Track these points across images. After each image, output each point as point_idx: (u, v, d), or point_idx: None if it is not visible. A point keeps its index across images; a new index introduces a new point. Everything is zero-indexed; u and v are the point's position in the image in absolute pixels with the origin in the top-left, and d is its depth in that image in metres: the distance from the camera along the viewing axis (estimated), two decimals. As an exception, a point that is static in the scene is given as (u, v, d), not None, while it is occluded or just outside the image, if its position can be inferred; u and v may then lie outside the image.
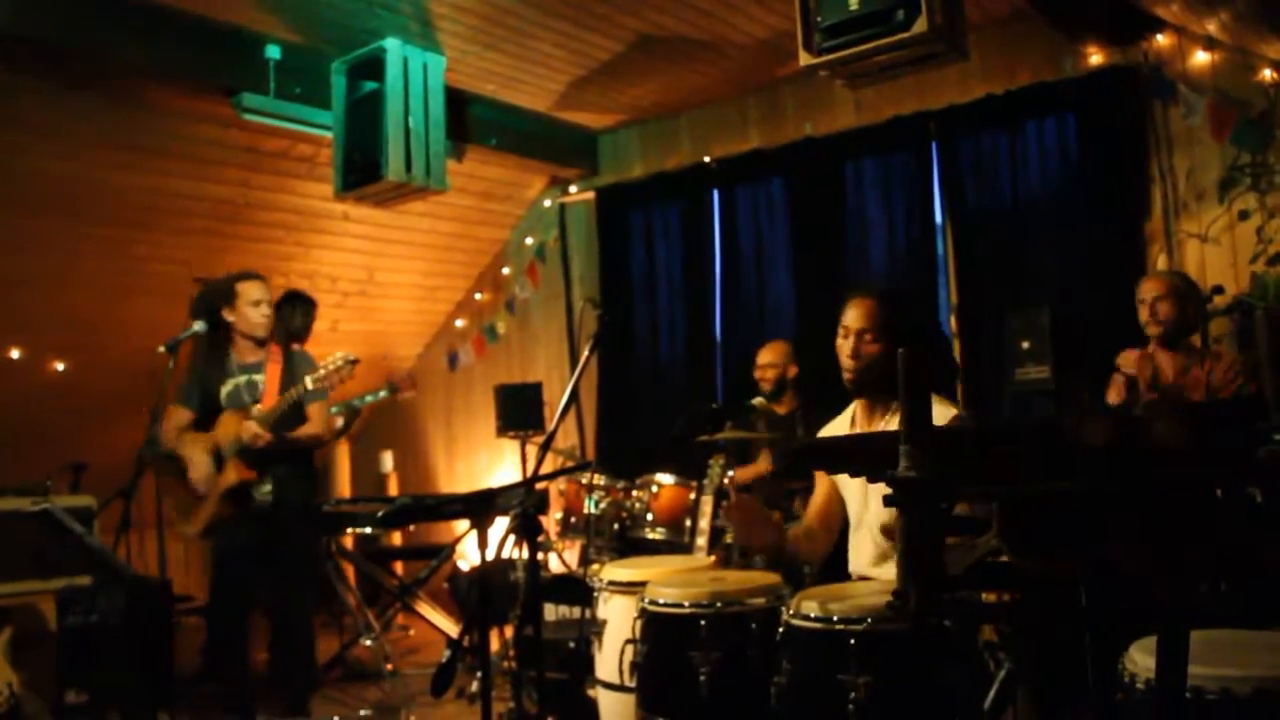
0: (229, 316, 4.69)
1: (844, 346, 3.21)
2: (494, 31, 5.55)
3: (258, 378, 4.74)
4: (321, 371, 4.58)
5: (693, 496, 5.27)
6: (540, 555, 3.62)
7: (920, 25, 3.96)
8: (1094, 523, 1.40)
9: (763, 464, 5.39)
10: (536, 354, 7.86)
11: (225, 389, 4.70)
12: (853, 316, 3.20)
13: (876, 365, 3.14)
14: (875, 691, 2.51)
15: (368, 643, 5.57)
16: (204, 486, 4.57)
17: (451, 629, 5.97)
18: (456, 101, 6.11)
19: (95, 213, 5.78)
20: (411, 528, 7.79)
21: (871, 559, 3.19)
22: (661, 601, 3.17)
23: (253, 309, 4.70)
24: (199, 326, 4.57)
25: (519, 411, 6.65)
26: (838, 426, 3.40)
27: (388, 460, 7.86)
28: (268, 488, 4.65)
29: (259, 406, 4.62)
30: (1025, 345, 4.97)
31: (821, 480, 3.46)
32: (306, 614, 4.87)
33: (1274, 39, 4.64)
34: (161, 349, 4.57)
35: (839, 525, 3.38)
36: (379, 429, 8.45)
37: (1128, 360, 4.39)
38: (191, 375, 4.73)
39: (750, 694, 2.88)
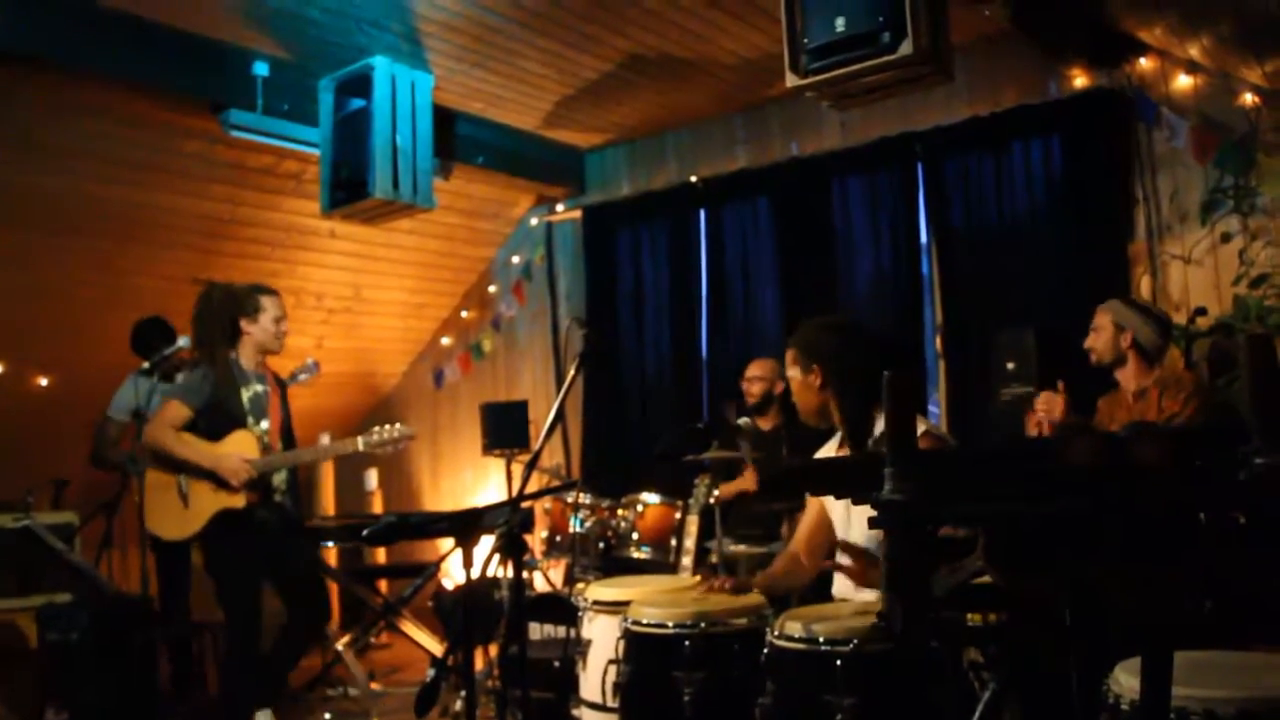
0: (248, 327, 4.65)
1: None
2: (482, 50, 5.56)
3: (264, 389, 4.71)
4: (375, 438, 4.68)
5: (678, 516, 5.27)
6: (525, 574, 3.61)
7: (906, 47, 3.97)
8: (1079, 544, 1.40)
9: (748, 481, 5.38)
10: (522, 372, 7.86)
11: (246, 394, 4.61)
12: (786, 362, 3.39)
13: (813, 400, 3.27)
14: (860, 713, 2.50)
15: (348, 661, 5.54)
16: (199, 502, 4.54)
17: (435, 647, 5.93)
18: (444, 120, 6.11)
19: (80, 227, 5.76)
20: (395, 546, 7.75)
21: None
22: (645, 621, 3.16)
23: (274, 325, 4.69)
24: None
25: (504, 430, 6.63)
26: (829, 449, 3.41)
27: (372, 478, 7.82)
28: (282, 491, 4.69)
29: (268, 434, 4.63)
30: (1010, 365, 4.98)
31: (812, 504, 3.46)
32: (326, 599, 5.08)
33: (1255, 63, 4.69)
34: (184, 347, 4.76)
35: (824, 553, 3.37)
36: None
37: (1044, 403, 4.31)
38: (203, 375, 4.58)
39: (734, 715, 2.87)
